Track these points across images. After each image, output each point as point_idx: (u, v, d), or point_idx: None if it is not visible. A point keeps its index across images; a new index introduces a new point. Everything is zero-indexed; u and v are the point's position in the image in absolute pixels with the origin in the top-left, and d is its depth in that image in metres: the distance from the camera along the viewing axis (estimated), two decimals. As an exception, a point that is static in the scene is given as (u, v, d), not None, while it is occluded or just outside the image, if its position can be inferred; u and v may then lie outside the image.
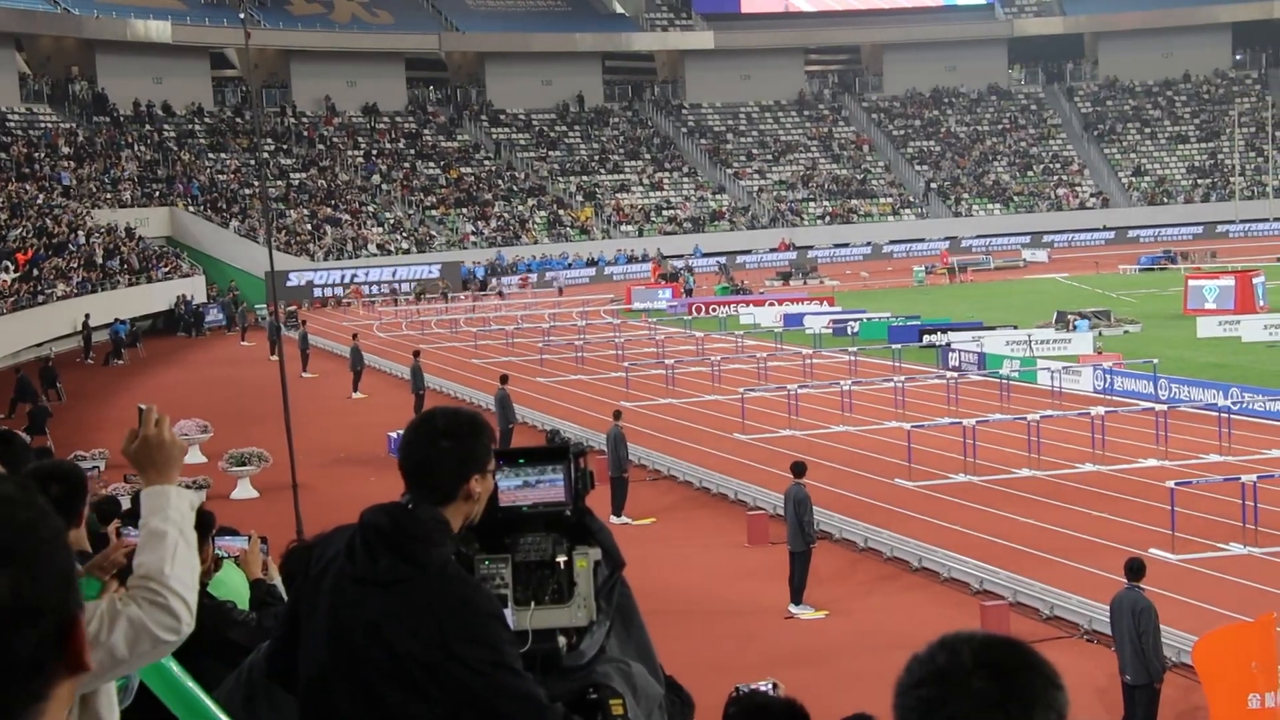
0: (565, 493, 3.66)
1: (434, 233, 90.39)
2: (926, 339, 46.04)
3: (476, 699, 3.27)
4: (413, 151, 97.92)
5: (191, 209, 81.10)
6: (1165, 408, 30.93)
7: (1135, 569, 14.57)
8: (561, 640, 3.58)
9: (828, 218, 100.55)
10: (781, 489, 21.70)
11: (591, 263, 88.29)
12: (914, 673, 1.79)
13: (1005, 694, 1.73)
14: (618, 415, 27.20)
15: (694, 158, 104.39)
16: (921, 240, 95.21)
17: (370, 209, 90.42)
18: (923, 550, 21.81)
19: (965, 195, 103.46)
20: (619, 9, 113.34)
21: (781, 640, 18.85)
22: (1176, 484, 22.66)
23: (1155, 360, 36.13)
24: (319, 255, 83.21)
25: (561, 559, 3.61)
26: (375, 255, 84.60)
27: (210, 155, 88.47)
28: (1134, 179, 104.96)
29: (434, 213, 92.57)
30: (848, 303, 61.17)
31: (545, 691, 3.34)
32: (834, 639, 18.50)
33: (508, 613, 3.52)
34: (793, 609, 19.93)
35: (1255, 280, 51.49)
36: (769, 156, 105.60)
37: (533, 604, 3.58)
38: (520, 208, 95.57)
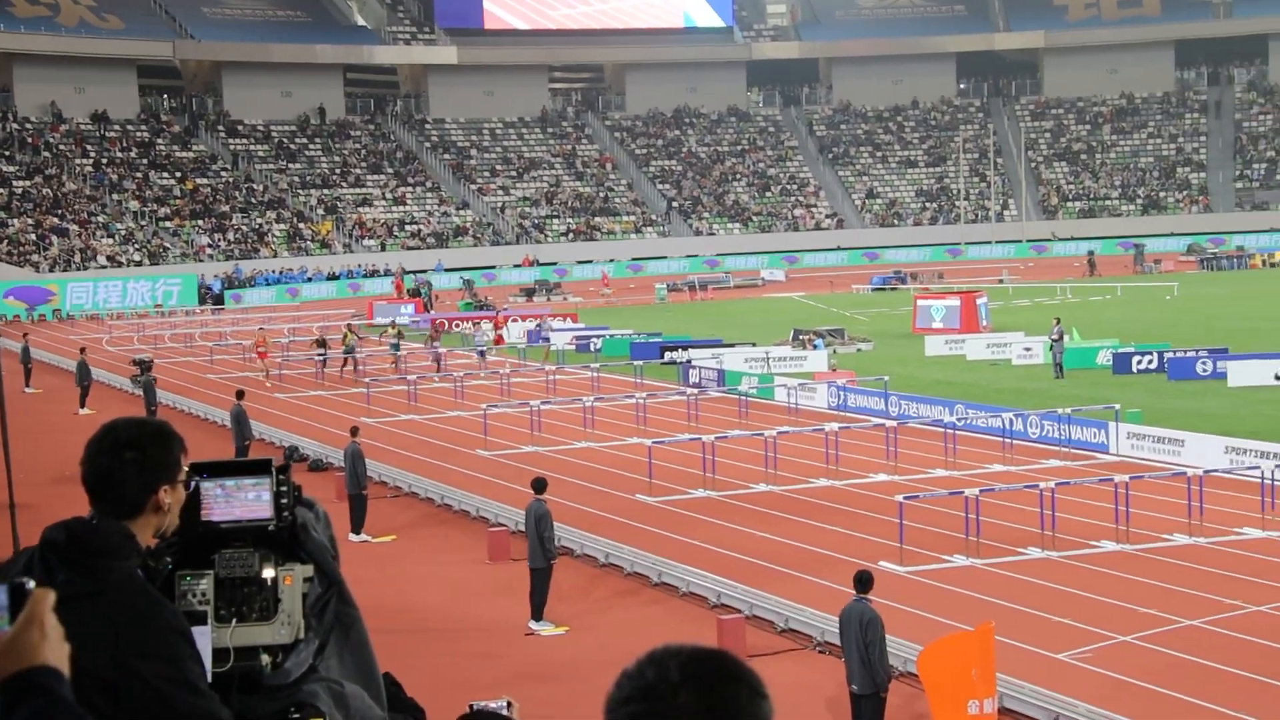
0: (269, 507, 3.58)
1: (168, 245, 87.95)
2: (668, 356, 46.63)
3: (155, 718, 3.16)
4: (145, 161, 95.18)
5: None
6: (895, 424, 31.92)
7: (863, 581, 14.97)
8: (265, 658, 3.49)
9: (571, 234, 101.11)
10: (523, 505, 21.69)
11: (332, 277, 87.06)
12: (623, 688, 1.80)
13: (710, 706, 1.75)
14: (355, 431, 26.85)
15: (437, 173, 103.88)
16: (664, 258, 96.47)
17: (100, 219, 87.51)
18: (662, 565, 22.04)
19: (706, 214, 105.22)
20: (361, 21, 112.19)
21: (522, 657, 18.83)
22: (905, 498, 23.35)
23: (886, 377, 37.26)
24: (44, 267, 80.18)
25: (268, 575, 3.53)
26: (106, 267, 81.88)
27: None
28: (867, 201, 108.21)
29: (168, 224, 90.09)
30: (591, 319, 61.56)
31: (245, 710, 3.26)
32: (574, 655, 18.55)
33: (206, 629, 3.43)
34: (533, 625, 19.92)
35: (979, 301, 53.53)
36: (513, 173, 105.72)
37: (235, 621, 3.49)
38: (259, 220, 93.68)
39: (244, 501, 3.55)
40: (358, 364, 47.52)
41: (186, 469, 3.56)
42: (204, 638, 3.42)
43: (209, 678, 3.35)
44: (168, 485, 3.48)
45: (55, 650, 2.86)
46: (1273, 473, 24.49)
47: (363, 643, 3.67)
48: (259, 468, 3.60)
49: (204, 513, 3.55)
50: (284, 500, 3.57)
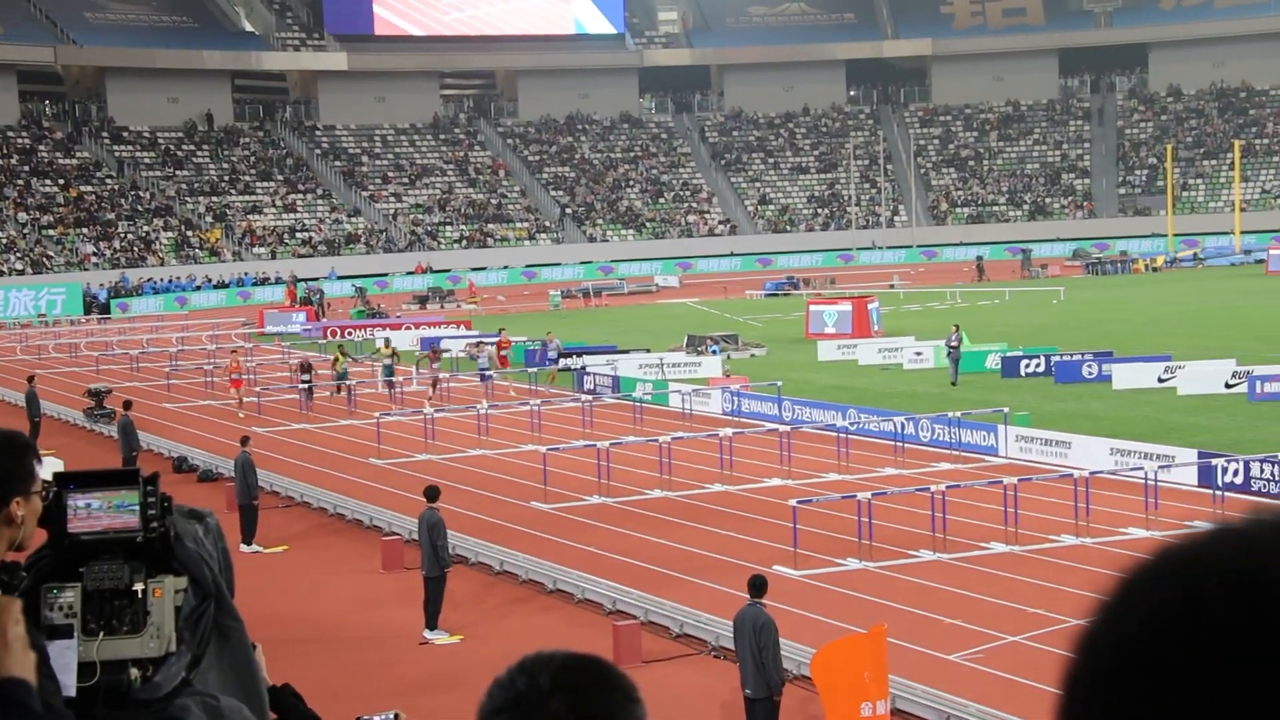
0: (137, 518, 3.51)
1: (51, 253, 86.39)
2: (562, 362, 46.57)
3: None
4: (27, 168, 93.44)
5: None
6: (788, 429, 32.13)
7: (758, 585, 15.05)
8: (135, 672, 3.43)
9: (464, 241, 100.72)
10: (416, 514, 21.56)
11: (221, 285, 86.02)
12: (494, 699, 1.78)
13: (582, 714, 1.74)
14: (245, 441, 26.54)
15: (328, 179, 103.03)
16: (558, 264, 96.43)
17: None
18: (557, 572, 22.01)
19: (600, 221, 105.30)
20: (248, 27, 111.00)
21: (416, 667, 18.71)
22: (798, 502, 23.52)
23: (779, 383, 37.50)
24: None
25: (139, 587, 3.46)
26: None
27: None
28: (759, 207, 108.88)
29: (51, 233, 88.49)
30: (486, 326, 61.32)
31: None
32: (468, 664, 18.45)
33: (72, 643, 3.36)
34: (427, 634, 19.81)
35: (870, 306, 54.04)
36: (405, 179, 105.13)
37: (102, 634, 3.42)
38: (146, 228, 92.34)
39: (110, 512, 3.48)
40: (350, 391, 41.85)
41: (45, 480, 3.47)
42: (70, 651, 3.35)
43: (73, 691, 3.28)
44: (20, 497, 3.39)
45: (20, 661, 2.79)
46: (1156, 473, 24.96)
47: (245, 656, 3.61)
48: (126, 478, 3.52)
49: (69, 524, 3.47)
50: (152, 511, 3.50)
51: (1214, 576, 1.05)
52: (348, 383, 42.70)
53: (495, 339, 48.11)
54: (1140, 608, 1.09)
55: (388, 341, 46.68)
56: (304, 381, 41.49)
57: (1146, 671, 1.06)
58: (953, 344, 40.44)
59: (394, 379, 43.23)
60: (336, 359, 44.14)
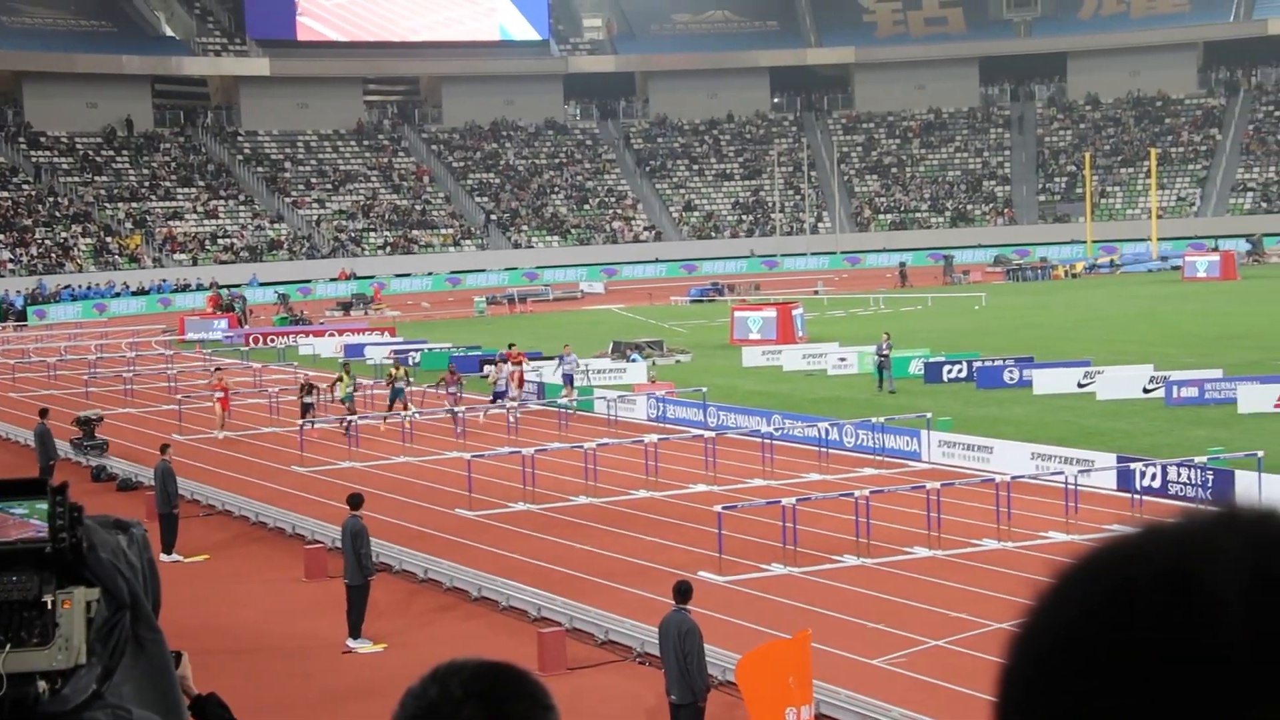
0: (45, 528, 3.46)
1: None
2: (487, 369, 46.39)
3: None
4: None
5: None
6: (713, 434, 32.20)
7: (682, 591, 15.06)
8: (43, 685, 3.39)
9: (389, 248, 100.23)
10: (339, 521, 21.42)
11: (141, 292, 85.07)
12: (407, 708, 1.77)
13: None
14: (165, 449, 26.26)
15: (250, 185, 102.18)
16: (483, 271, 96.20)
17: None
18: (482, 579, 21.93)
19: (525, 227, 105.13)
20: (169, 32, 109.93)
21: (339, 676, 18.58)
22: (723, 508, 23.56)
23: (704, 389, 37.57)
24: None
25: (49, 598, 3.42)
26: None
27: None
28: (684, 214, 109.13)
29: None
30: (410, 333, 61.09)
31: None
32: (392, 672, 18.34)
33: None
34: (351, 643, 19.67)
35: (795, 312, 54.26)
36: (328, 186, 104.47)
37: (8, 646, 3.37)
38: (64, 234, 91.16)
39: (17, 522, 3.43)
40: (354, 417, 37.06)
41: None
42: None
43: None
44: None
45: None
46: (1076, 478, 25.24)
47: (162, 668, 3.56)
48: (34, 488, 3.47)
49: None
50: (60, 521, 3.45)
51: (1146, 574, 1.07)
52: (354, 406, 37.99)
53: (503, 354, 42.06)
54: (1075, 604, 1.11)
55: (398, 364, 41.00)
56: (308, 405, 37.00)
57: (1081, 667, 1.08)
58: (884, 352, 39.98)
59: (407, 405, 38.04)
60: (341, 378, 38.54)
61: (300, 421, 35.82)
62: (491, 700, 1.75)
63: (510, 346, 42.35)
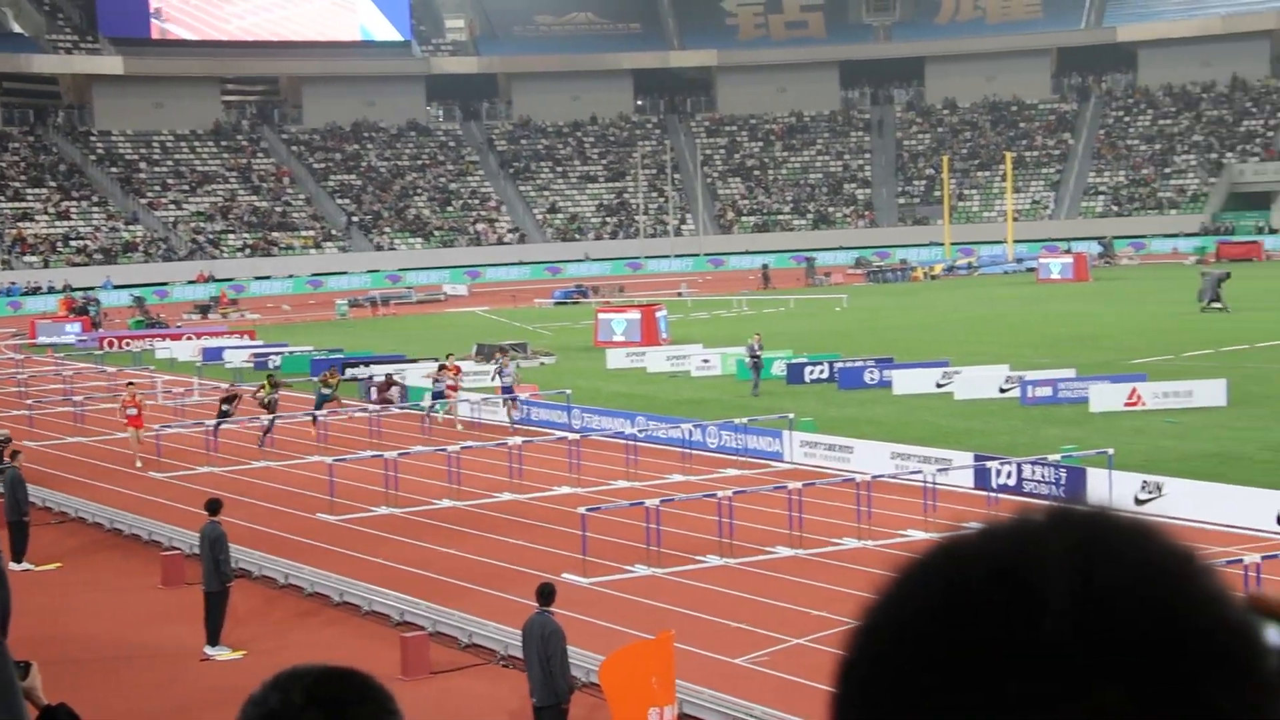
0: None
1: None
2: (350, 372, 45.96)
3: None
4: None
5: None
6: (578, 436, 32.20)
7: (545, 594, 15.04)
8: None
9: (248, 250, 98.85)
10: (197, 527, 21.07)
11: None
12: (248, 715, 1.74)
13: None
14: (15, 455, 25.64)
15: (104, 186, 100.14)
16: (345, 273, 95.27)
17: None
18: (344, 584, 21.71)
19: (387, 229, 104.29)
20: (17, 28, 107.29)
21: (197, 684, 18.27)
22: (587, 510, 23.57)
23: (569, 391, 37.54)
24: None
25: None
26: None
27: None
28: (548, 216, 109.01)
29: None
30: (270, 336, 60.31)
31: None
32: (252, 679, 17.81)
33: None
34: (209, 651, 19.36)
35: (658, 314, 54.47)
36: (185, 187, 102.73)
37: None
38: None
39: None
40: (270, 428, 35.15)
41: None
42: None
43: None
44: None
45: None
46: (934, 476, 25.63)
47: (6, 678, 3.48)
48: None
49: None
50: None
51: (978, 572, 1.11)
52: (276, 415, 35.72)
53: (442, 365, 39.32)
54: (910, 603, 1.14)
55: (333, 369, 38.82)
56: (223, 413, 35.13)
57: (915, 666, 1.11)
58: (756, 352, 39.76)
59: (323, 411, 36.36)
60: (264, 386, 36.30)
61: (216, 421, 35.01)
62: (333, 707, 1.72)
63: (448, 357, 39.69)
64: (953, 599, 1.11)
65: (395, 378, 40.88)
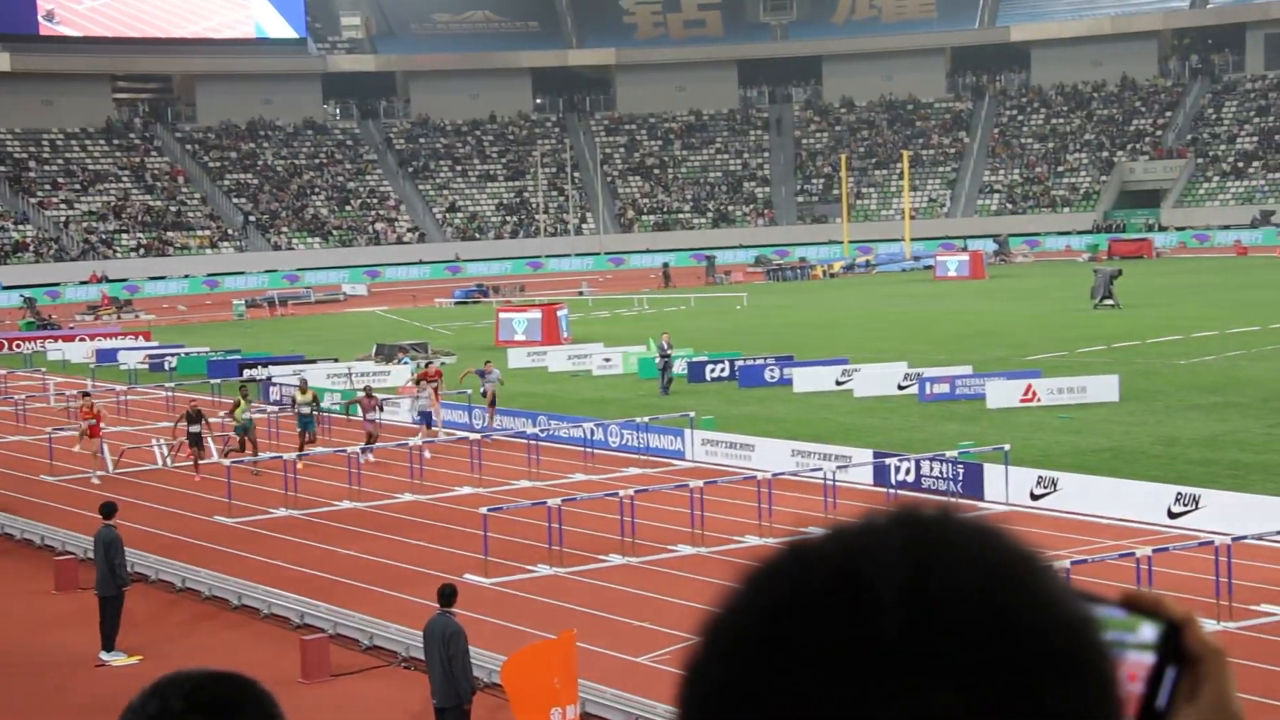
0: None
1: None
2: (247, 373, 45.46)
3: None
4: None
5: None
6: (479, 436, 32.07)
7: (447, 595, 14.98)
8: None
9: (142, 250, 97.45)
10: (92, 531, 20.75)
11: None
12: None
13: None
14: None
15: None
16: (242, 273, 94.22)
17: None
18: (243, 587, 21.47)
19: (285, 229, 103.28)
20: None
21: (92, 690, 17.98)
22: (489, 510, 23.51)
23: (469, 390, 37.37)
24: None
25: None
26: None
27: None
28: (448, 215, 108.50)
29: None
30: (165, 337, 59.51)
31: None
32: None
33: None
34: (104, 656, 19.07)
35: (559, 313, 54.40)
36: (76, 186, 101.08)
37: None
38: None
39: None
40: (247, 447, 31.26)
41: None
42: None
43: None
44: None
45: None
46: (834, 473, 25.82)
47: None
48: None
49: None
50: None
51: (821, 574, 1.14)
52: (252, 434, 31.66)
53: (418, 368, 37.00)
54: (756, 605, 1.16)
55: (304, 382, 34.18)
56: (193, 435, 30.96)
57: (760, 668, 1.13)
58: (666, 351, 39.33)
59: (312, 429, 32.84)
60: (238, 404, 32.01)
61: (195, 460, 30.65)
62: (214, 712, 1.70)
63: (427, 365, 37.22)
64: (795, 600, 1.13)
65: (374, 391, 34.55)
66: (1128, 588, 1.27)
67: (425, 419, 34.09)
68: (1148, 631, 1.23)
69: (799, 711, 1.11)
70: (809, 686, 1.11)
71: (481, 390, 34.90)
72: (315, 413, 32.99)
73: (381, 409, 33.48)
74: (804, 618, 1.13)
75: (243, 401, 31.84)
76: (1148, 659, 1.22)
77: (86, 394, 34.30)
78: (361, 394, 33.70)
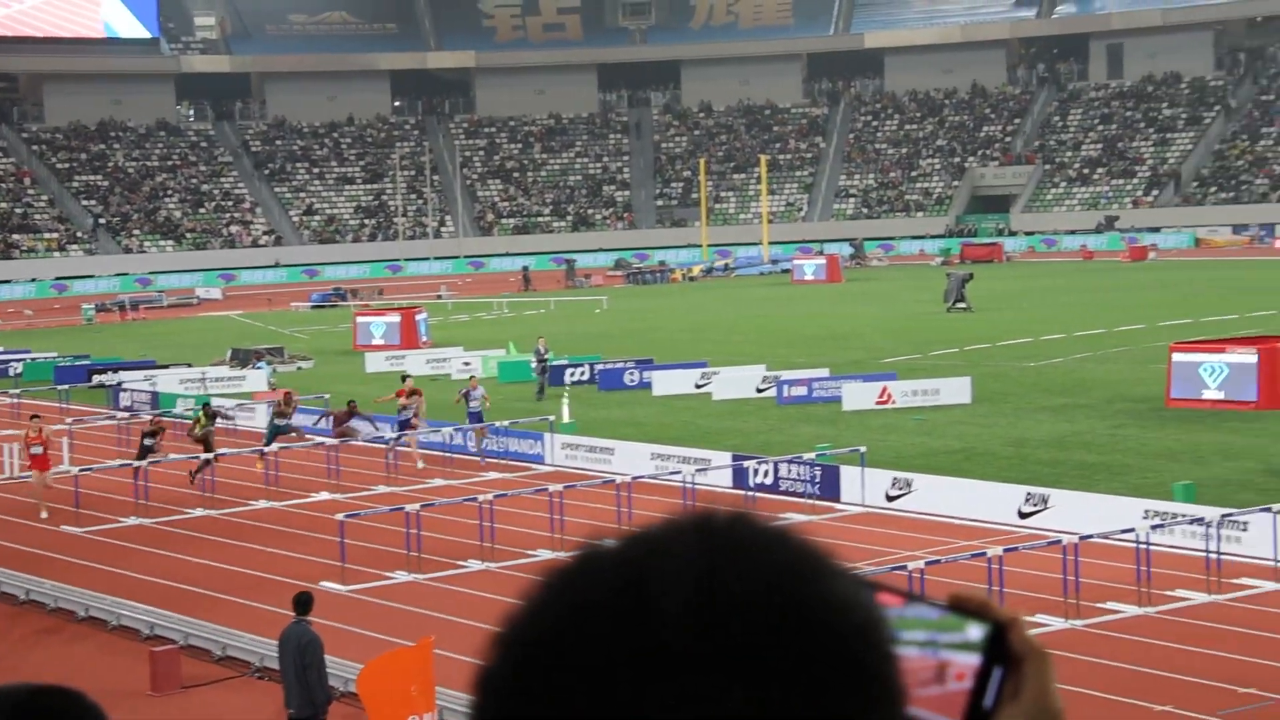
0: None
1: None
2: (96, 379, 44.55)
3: None
4: None
5: None
6: (336, 442, 31.69)
7: (303, 603, 14.79)
8: None
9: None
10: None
11: None
12: None
13: None
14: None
15: None
16: (92, 277, 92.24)
17: None
18: (89, 598, 21.00)
19: (137, 231, 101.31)
20: None
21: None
22: (346, 516, 23.25)
23: (327, 395, 36.99)
24: None
25: None
26: None
27: None
28: (305, 218, 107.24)
29: None
30: (11, 342, 58.06)
31: None
32: (-7, 702, 17.35)
33: None
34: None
35: (418, 317, 54.05)
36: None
37: None
38: None
39: None
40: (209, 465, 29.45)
41: None
42: None
43: None
44: None
45: None
46: (694, 476, 25.94)
47: None
48: None
49: None
50: None
51: (611, 582, 1.15)
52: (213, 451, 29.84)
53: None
54: (550, 610, 1.17)
55: (286, 394, 33.19)
56: (145, 448, 29.27)
57: (552, 678, 1.13)
58: (543, 355, 39.13)
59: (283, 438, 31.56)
60: (199, 420, 30.74)
61: (137, 463, 28.76)
62: None
63: (404, 380, 34.26)
64: (587, 607, 1.14)
65: (356, 406, 32.55)
66: (964, 588, 1.27)
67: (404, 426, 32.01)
68: (975, 632, 1.24)
69: (583, 715, 1.11)
70: (594, 691, 1.11)
71: (469, 411, 31.94)
72: (287, 422, 31.56)
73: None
74: (593, 626, 1.13)
75: (204, 419, 30.52)
76: (975, 659, 1.23)
77: (36, 417, 29.91)
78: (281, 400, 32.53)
